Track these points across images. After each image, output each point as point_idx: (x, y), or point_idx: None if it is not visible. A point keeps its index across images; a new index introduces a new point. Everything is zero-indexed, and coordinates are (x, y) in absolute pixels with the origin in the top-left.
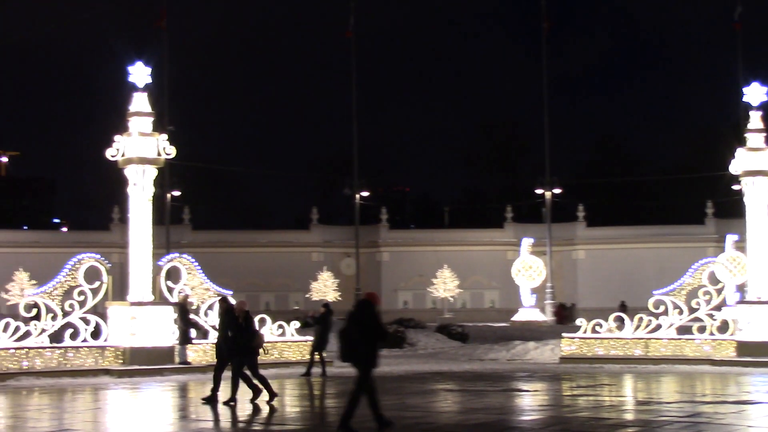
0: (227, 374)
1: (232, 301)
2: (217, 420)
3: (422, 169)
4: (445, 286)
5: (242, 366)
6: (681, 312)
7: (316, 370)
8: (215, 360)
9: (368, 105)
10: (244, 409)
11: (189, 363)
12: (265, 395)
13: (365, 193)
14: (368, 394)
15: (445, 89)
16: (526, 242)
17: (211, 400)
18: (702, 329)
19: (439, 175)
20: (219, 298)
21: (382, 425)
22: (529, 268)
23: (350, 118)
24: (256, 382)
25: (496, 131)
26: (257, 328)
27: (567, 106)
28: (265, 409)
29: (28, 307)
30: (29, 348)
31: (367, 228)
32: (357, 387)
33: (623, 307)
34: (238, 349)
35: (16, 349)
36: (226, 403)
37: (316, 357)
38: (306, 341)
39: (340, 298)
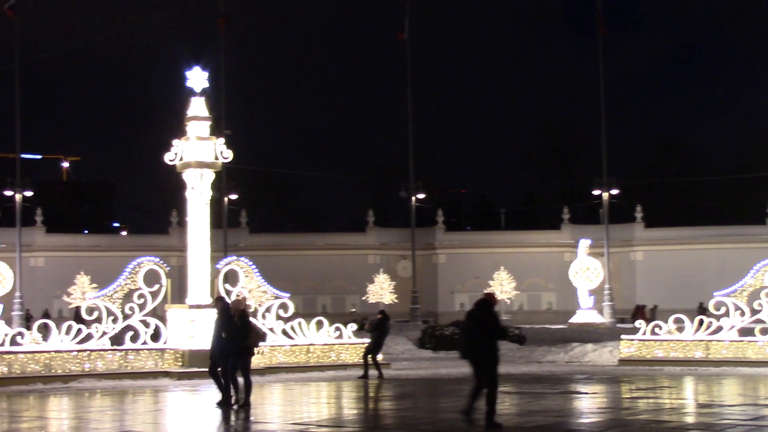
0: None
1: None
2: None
3: (478, 171)
4: (502, 288)
5: (236, 368)
6: (743, 313)
7: (373, 372)
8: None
9: (425, 107)
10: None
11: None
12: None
13: (421, 196)
14: (489, 390)
15: (502, 91)
16: (584, 244)
17: (225, 404)
18: (765, 331)
19: (495, 177)
20: (216, 297)
21: (490, 425)
22: (586, 269)
23: (406, 121)
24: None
25: (553, 132)
26: (253, 327)
27: (625, 106)
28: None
29: (90, 310)
30: (91, 350)
31: (423, 230)
32: (491, 384)
33: (702, 309)
34: (233, 350)
35: (78, 351)
36: (219, 405)
37: (370, 360)
38: (363, 344)
39: (396, 301)
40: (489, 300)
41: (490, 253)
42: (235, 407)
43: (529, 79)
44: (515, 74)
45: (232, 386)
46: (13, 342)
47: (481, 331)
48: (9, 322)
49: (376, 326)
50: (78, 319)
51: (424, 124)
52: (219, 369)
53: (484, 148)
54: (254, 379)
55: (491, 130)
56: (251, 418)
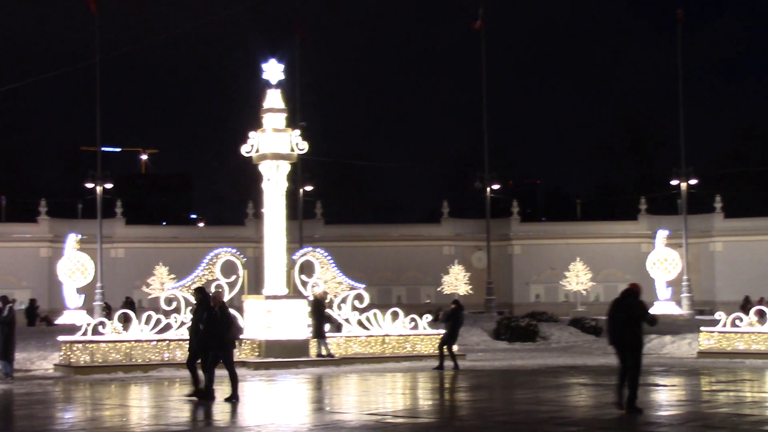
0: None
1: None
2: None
3: (554, 161)
4: (578, 279)
5: (218, 360)
6: None
7: (449, 363)
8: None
9: (499, 97)
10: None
11: (333, 355)
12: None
13: (496, 186)
14: (631, 375)
15: (578, 79)
16: (661, 234)
17: (205, 395)
18: None
19: (570, 167)
20: (195, 287)
21: (632, 409)
22: (664, 260)
23: (481, 111)
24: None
25: (630, 121)
26: (233, 320)
27: (705, 93)
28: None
29: (169, 301)
30: (170, 340)
31: (498, 221)
32: (635, 369)
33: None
34: (213, 342)
35: (157, 341)
36: (227, 400)
37: (446, 351)
38: (438, 334)
39: (471, 292)
40: (634, 289)
41: (566, 244)
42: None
43: (605, 66)
44: (591, 62)
45: (208, 379)
46: (95, 331)
47: (628, 318)
48: (90, 312)
49: (450, 316)
50: (128, 306)
51: (499, 114)
52: (198, 361)
53: (559, 138)
54: (330, 369)
55: (567, 119)
56: (238, 412)
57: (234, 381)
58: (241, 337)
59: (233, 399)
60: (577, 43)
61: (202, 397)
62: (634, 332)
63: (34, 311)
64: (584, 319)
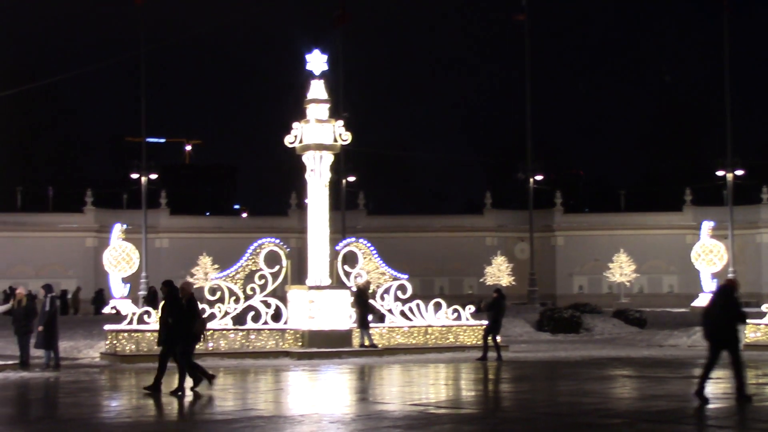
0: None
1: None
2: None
3: (597, 151)
4: (622, 270)
5: (188, 353)
6: None
7: (492, 354)
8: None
9: (543, 86)
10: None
11: (376, 346)
12: (190, 382)
13: (539, 177)
14: (736, 368)
15: (622, 69)
16: (707, 225)
17: (155, 389)
18: None
19: (614, 158)
20: (163, 281)
21: (742, 397)
22: (709, 252)
23: (524, 101)
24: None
25: (675, 111)
26: (198, 313)
27: (752, 82)
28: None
29: (212, 291)
30: (214, 330)
31: (541, 212)
32: (738, 361)
33: None
34: (180, 335)
35: None
36: (173, 393)
37: (490, 341)
38: (481, 325)
39: (514, 283)
40: (731, 285)
41: (610, 235)
42: (179, 393)
43: (650, 55)
44: (635, 51)
45: (187, 370)
46: (141, 321)
47: (725, 314)
48: (135, 302)
49: (492, 305)
50: (151, 301)
51: (542, 104)
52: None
53: (603, 128)
54: (373, 360)
55: (611, 109)
56: (187, 406)
57: (182, 375)
58: (206, 329)
59: (178, 392)
60: (621, 31)
61: (193, 385)
62: (730, 328)
63: (102, 299)
64: (628, 310)
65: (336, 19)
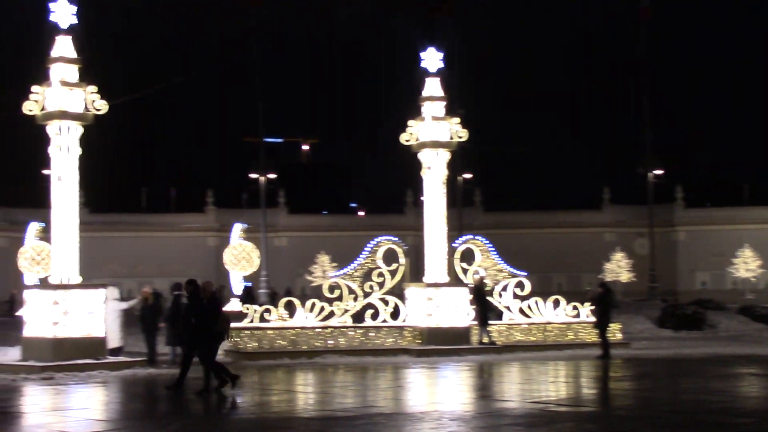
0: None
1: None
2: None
3: (719, 144)
4: (746, 266)
5: (212, 353)
6: None
7: (615, 352)
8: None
9: (662, 78)
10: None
11: (495, 343)
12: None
13: (659, 171)
14: None
15: (744, 60)
16: None
17: (177, 387)
18: None
19: (737, 150)
20: (186, 280)
21: None
22: None
23: (643, 94)
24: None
25: None
26: (221, 312)
27: None
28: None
29: (331, 289)
30: (333, 327)
31: (661, 207)
32: None
33: None
34: (202, 334)
35: (321, 328)
36: (199, 394)
37: (610, 337)
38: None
39: (633, 279)
40: None
41: (733, 230)
42: (205, 394)
43: None
44: (758, 42)
45: (211, 371)
46: (262, 318)
47: None
48: (256, 300)
49: (598, 300)
50: (247, 295)
51: (661, 96)
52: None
53: (724, 120)
54: (492, 357)
55: (734, 101)
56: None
57: (207, 375)
58: (230, 327)
59: (176, 388)
60: (746, 23)
61: (178, 384)
62: None
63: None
64: (754, 306)
65: (436, 9)
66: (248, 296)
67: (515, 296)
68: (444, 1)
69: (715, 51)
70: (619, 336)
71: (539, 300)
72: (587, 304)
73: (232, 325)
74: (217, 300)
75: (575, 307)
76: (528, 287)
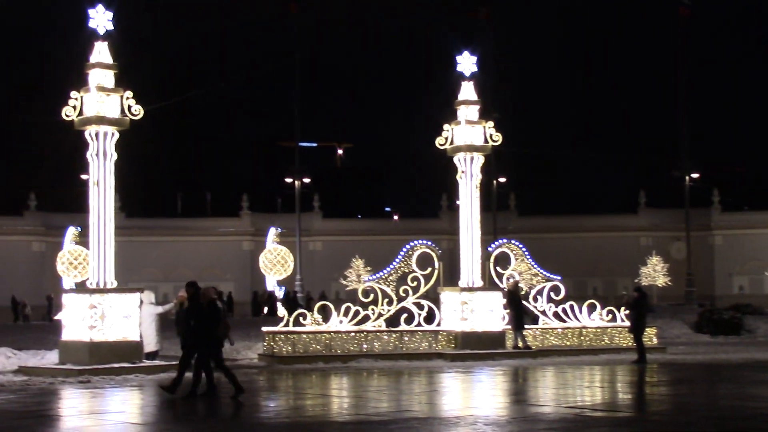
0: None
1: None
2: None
3: (758, 148)
4: None
5: (206, 357)
6: None
7: (651, 357)
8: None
9: (700, 80)
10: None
11: (530, 348)
12: (230, 389)
13: (695, 175)
14: None
15: None
16: None
17: (173, 390)
18: None
19: None
20: (187, 282)
21: None
22: None
23: (680, 97)
24: (218, 373)
25: None
26: (222, 317)
27: None
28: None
29: (366, 293)
30: (368, 331)
31: (697, 211)
32: None
33: None
34: (202, 339)
35: (356, 332)
36: (186, 398)
37: (646, 342)
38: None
39: (669, 283)
40: None
41: None
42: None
43: None
44: None
45: (226, 376)
46: (296, 323)
47: None
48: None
49: (634, 305)
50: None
51: (699, 99)
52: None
53: (762, 123)
54: (527, 361)
55: None
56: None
57: (231, 378)
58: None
59: (236, 396)
60: None
61: (238, 394)
62: None
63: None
64: None
65: (473, 13)
66: (291, 301)
67: (550, 300)
68: (482, 5)
69: (758, 53)
70: (655, 341)
71: (574, 304)
72: (623, 308)
73: (267, 329)
74: (217, 306)
75: (611, 312)
76: (563, 291)
